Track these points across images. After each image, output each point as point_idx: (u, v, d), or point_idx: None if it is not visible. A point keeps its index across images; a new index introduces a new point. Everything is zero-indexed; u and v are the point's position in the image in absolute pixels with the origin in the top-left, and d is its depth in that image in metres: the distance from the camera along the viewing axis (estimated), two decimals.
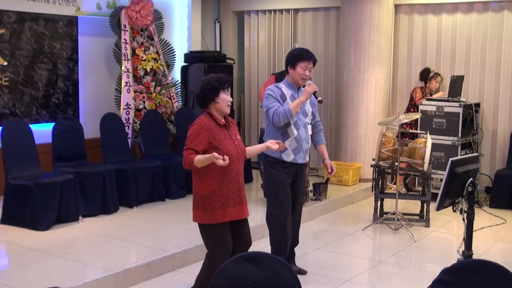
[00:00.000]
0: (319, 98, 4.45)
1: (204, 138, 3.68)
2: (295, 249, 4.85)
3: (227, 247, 3.79)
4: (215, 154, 3.52)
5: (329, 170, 4.79)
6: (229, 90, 3.83)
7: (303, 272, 4.78)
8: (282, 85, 4.54)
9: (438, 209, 3.66)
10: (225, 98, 3.77)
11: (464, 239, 3.75)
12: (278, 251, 4.51)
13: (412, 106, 7.77)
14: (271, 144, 3.89)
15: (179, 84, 8.18)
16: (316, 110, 4.75)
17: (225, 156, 3.54)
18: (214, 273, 3.54)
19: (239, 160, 3.81)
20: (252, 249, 4.51)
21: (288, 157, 4.49)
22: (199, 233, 4.84)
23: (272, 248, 4.61)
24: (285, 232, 4.53)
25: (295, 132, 4.48)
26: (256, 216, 5.93)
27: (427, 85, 7.80)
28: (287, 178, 4.49)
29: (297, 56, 4.49)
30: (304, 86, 4.46)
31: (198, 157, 3.62)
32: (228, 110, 3.81)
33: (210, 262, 3.82)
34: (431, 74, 7.78)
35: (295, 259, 4.86)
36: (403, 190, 7.47)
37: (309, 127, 4.62)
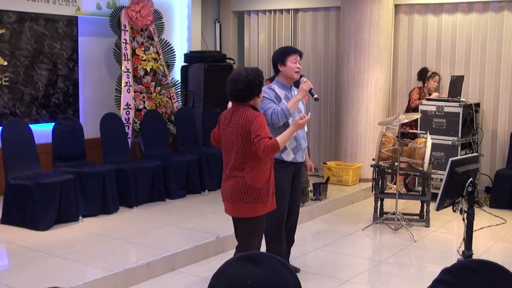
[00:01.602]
0: (315, 96, 4.49)
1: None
2: (292, 248, 4.87)
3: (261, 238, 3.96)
4: (297, 120, 3.75)
5: (308, 171, 4.93)
6: None
7: (297, 270, 4.82)
8: (274, 86, 4.56)
9: (438, 209, 3.66)
10: (261, 94, 3.93)
11: (464, 239, 3.75)
12: (269, 252, 4.56)
13: (411, 107, 7.76)
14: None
15: (179, 84, 8.18)
16: (305, 107, 4.80)
17: (302, 114, 3.75)
18: None
19: None
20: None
21: (288, 156, 4.51)
22: (199, 233, 4.85)
23: (266, 248, 4.63)
24: (280, 233, 4.56)
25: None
26: None
27: (425, 84, 7.80)
28: (287, 179, 4.50)
29: (284, 52, 4.57)
30: (298, 82, 4.51)
31: (280, 137, 3.72)
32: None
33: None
34: (429, 73, 7.79)
35: (289, 258, 4.89)
36: (403, 190, 7.47)
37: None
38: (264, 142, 3.64)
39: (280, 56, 4.55)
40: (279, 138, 3.70)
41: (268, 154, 3.67)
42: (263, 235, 4.05)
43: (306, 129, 4.68)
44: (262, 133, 3.67)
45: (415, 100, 7.63)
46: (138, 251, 5.03)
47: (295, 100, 4.43)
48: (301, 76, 4.59)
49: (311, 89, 4.46)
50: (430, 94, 7.81)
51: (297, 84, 4.65)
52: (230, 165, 3.81)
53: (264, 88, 4.57)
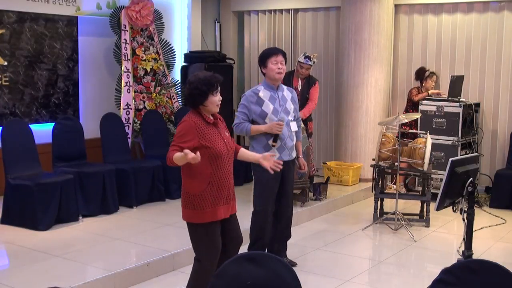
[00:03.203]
0: (273, 143, 4.54)
1: (192, 137, 3.58)
2: (292, 248, 4.93)
3: (217, 247, 3.71)
4: (186, 150, 3.43)
5: (299, 169, 4.97)
6: (218, 89, 3.69)
7: (293, 264, 4.88)
8: (261, 87, 4.65)
9: (438, 209, 3.66)
10: (214, 100, 3.65)
11: (464, 239, 3.75)
12: (254, 246, 4.65)
13: (411, 107, 7.76)
14: (264, 161, 3.91)
15: (179, 84, 8.18)
16: (297, 107, 4.83)
17: (197, 152, 3.45)
18: (204, 276, 3.49)
19: (228, 158, 3.74)
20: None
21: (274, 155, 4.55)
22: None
23: (250, 241, 4.71)
24: (263, 229, 4.64)
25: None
26: None
27: (423, 84, 7.79)
28: (273, 177, 4.43)
29: (265, 55, 4.63)
30: (291, 83, 4.57)
31: (177, 154, 3.53)
32: (217, 110, 3.72)
33: (200, 265, 3.76)
34: (427, 73, 7.78)
35: (286, 252, 4.95)
36: (403, 190, 7.47)
37: (293, 124, 4.69)
38: (170, 149, 3.59)
39: (261, 59, 4.65)
40: (176, 156, 3.52)
41: (168, 162, 3.64)
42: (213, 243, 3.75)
43: (293, 128, 4.69)
44: (175, 140, 3.62)
45: (415, 95, 7.62)
46: (138, 251, 5.03)
47: (259, 128, 4.53)
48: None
49: (277, 134, 4.51)
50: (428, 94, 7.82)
51: (289, 83, 4.68)
52: None
53: (247, 92, 4.68)
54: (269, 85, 4.62)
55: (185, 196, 3.70)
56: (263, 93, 4.58)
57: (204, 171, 3.63)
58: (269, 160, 3.91)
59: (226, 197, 3.71)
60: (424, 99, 7.53)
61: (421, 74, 7.81)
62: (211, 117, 3.70)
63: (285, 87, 4.73)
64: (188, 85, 3.67)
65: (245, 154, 4.03)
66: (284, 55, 4.64)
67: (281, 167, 3.98)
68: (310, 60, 6.46)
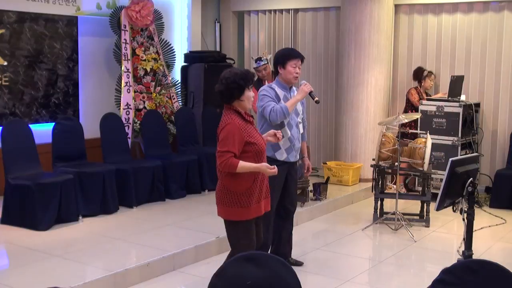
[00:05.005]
0: (316, 98, 4.53)
1: (240, 138, 3.67)
2: (292, 248, 4.94)
3: (254, 243, 3.83)
4: (266, 164, 3.67)
5: (305, 170, 4.97)
6: (252, 85, 3.85)
7: (300, 264, 4.91)
8: (274, 85, 4.63)
9: (438, 209, 3.66)
10: (249, 95, 3.78)
11: (464, 239, 3.75)
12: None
13: (410, 108, 7.76)
14: (270, 137, 3.98)
15: (179, 84, 8.18)
16: (304, 108, 4.83)
17: (274, 166, 3.66)
18: None
19: (265, 153, 3.89)
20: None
21: (281, 155, 4.56)
22: (199, 233, 4.85)
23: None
24: (267, 229, 4.61)
25: (289, 132, 4.57)
26: None
27: (422, 84, 7.78)
28: (279, 178, 4.43)
29: (286, 56, 4.58)
30: (295, 86, 4.55)
31: (243, 164, 3.62)
32: (250, 106, 3.84)
33: None
34: (425, 73, 7.77)
35: (291, 252, 4.97)
36: (403, 190, 7.47)
37: (301, 126, 4.71)
38: (225, 157, 3.60)
39: (282, 59, 4.58)
40: (240, 165, 3.61)
41: (223, 169, 3.66)
42: (252, 240, 3.85)
43: (301, 129, 4.72)
44: (225, 147, 3.63)
45: (418, 100, 7.62)
46: (138, 251, 5.03)
47: (294, 101, 4.46)
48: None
49: (311, 91, 4.48)
50: (426, 94, 7.81)
51: (297, 84, 4.68)
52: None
53: (264, 87, 4.65)
54: (283, 85, 4.60)
55: (228, 196, 3.75)
56: (278, 91, 4.57)
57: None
58: (273, 135, 3.99)
59: (265, 192, 3.88)
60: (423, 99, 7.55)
61: (419, 74, 7.81)
62: (249, 115, 3.83)
63: (295, 88, 4.70)
64: (225, 80, 3.74)
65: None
66: (303, 60, 4.62)
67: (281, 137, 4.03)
68: (262, 60, 6.39)
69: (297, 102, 4.49)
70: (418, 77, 7.83)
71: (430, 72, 7.81)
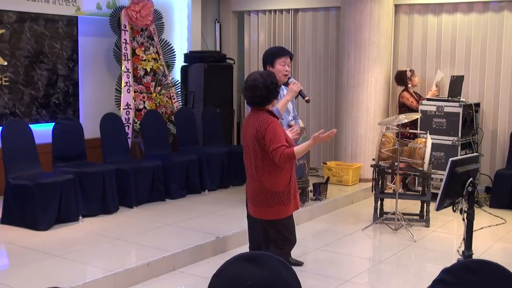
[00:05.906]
0: (307, 98, 4.53)
1: (283, 131, 3.85)
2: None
3: (295, 236, 4.05)
4: (314, 135, 3.78)
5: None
6: None
7: (300, 264, 4.93)
8: None
9: (438, 209, 3.66)
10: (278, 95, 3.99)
11: (464, 239, 3.75)
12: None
13: (406, 111, 7.69)
14: (319, 135, 3.83)
15: (179, 84, 8.18)
16: (295, 105, 4.83)
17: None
18: (288, 254, 3.70)
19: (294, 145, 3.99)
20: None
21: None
22: (199, 233, 4.84)
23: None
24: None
25: None
26: None
27: (409, 85, 7.70)
28: None
29: (274, 54, 4.56)
30: (287, 84, 4.53)
31: (298, 149, 3.77)
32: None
33: (283, 251, 3.96)
34: (409, 73, 7.70)
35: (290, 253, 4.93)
36: (403, 190, 7.46)
37: (293, 122, 4.69)
38: (281, 151, 3.71)
39: (270, 57, 4.56)
40: (296, 149, 3.77)
41: (284, 163, 3.78)
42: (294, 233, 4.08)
43: (302, 125, 4.71)
44: (279, 143, 3.74)
45: (414, 102, 7.59)
46: (138, 251, 5.03)
47: (284, 101, 4.46)
48: (288, 78, 4.60)
49: (301, 90, 4.49)
50: (417, 94, 7.75)
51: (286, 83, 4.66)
52: (250, 167, 3.92)
53: None
54: None
55: (269, 196, 3.86)
56: None
57: (287, 167, 3.87)
58: (323, 133, 3.90)
59: (296, 187, 4.03)
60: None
61: (403, 76, 7.70)
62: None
63: (283, 87, 4.72)
64: (262, 85, 3.81)
65: (301, 148, 3.92)
66: (292, 57, 4.63)
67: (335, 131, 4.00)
68: None
69: (288, 103, 4.50)
70: (403, 80, 7.73)
71: (412, 70, 7.77)
